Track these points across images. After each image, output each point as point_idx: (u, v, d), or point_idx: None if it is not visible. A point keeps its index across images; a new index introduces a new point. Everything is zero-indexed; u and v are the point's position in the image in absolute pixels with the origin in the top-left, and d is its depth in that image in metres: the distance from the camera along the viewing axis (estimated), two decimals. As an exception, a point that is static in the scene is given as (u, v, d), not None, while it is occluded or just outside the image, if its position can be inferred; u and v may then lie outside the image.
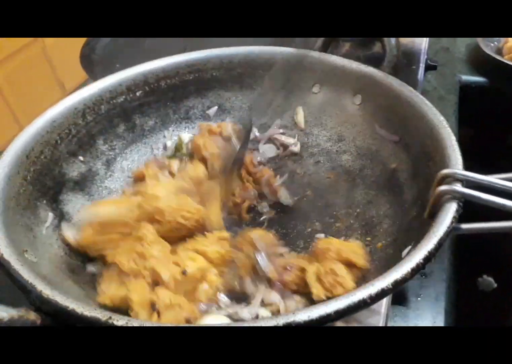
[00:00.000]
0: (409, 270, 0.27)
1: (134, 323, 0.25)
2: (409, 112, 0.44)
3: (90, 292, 0.36)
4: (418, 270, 0.27)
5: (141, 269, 0.33)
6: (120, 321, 0.25)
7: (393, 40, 0.51)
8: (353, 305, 0.25)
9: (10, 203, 0.36)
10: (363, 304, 0.26)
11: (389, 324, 0.41)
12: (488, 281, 0.70)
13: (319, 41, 0.56)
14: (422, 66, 0.74)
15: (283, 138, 0.56)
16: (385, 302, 0.40)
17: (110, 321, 0.25)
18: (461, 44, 0.90)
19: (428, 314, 0.49)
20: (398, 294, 0.49)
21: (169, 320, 0.30)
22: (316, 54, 0.53)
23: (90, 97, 0.49)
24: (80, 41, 0.68)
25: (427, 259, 0.28)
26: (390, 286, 0.26)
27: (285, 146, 0.56)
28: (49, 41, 0.75)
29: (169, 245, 0.37)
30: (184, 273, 0.33)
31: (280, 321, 0.24)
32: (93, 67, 0.66)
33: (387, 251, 0.38)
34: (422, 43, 0.78)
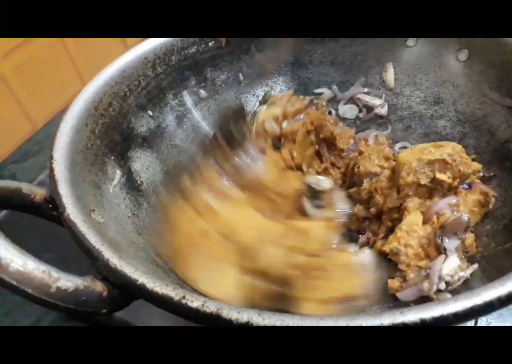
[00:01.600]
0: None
1: (211, 306, 0.21)
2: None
3: (158, 257, 0.34)
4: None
5: None
6: (195, 302, 0.21)
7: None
8: (477, 308, 0.20)
9: (78, 157, 0.34)
10: (490, 308, 0.21)
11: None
12: None
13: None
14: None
15: (368, 98, 0.50)
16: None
17: (183, 301, 0.22)
18: None
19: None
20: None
21: None
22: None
23: (161, 46, 0.45)
24: None
25: None
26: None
27: (369, 108, 0.50)
28: None
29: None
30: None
31: (385, 321, 0.20)
32: None
33: (496, 239, 0.32)
34: None
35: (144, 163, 0.42)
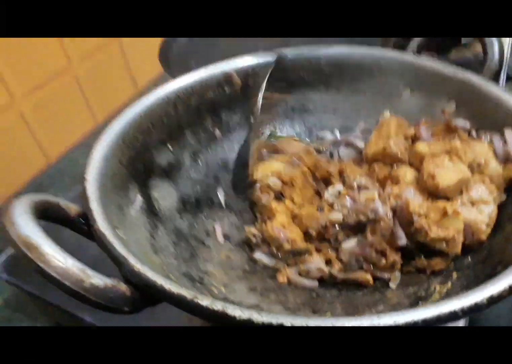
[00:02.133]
0: (507, 286, 0.25)
1: (218, 304, 0.25)
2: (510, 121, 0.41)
3: (171, 274, 0.38)
4: (517, 287, 0.25)
5: None
6: (204, 301, 0.25)
7: (496, 45, 0.48)
8: (442, 316, 0.24)
9: (106, 181, 0.38)
10: (454, 317, 0.24)
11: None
12: None
13: (413, 42, 0.55)
14: (503, 77, 0.70)
15: (359, 142, 0.55)
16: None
17: (195, 300, 0.25)
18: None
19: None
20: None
21: None
22: (408, 56, 0.52)
23: (182, 89, 0.50)
24: (154, 40, 0.72)
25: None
26: (485, 302, 0.25)
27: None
28: (126, 39, 0.80)
29: None
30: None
31: (364, 322, 0.24)
32: (169, 64, 0.69)
33: (476, 269, 0.36)
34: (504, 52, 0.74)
35: (162, 192, 0.47)
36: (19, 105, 0.65)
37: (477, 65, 0.51)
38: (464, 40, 0.76)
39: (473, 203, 0.38)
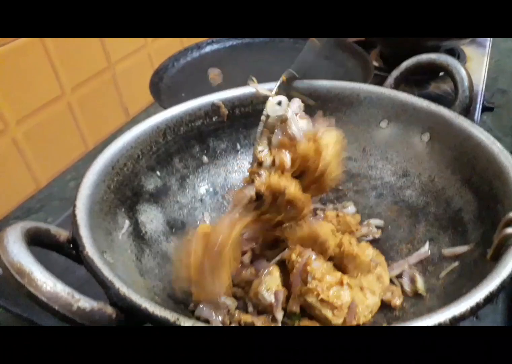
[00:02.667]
0: (468, 308, 0.27)
1: (199, 325, 0.27)
2: (479, 153, 0.44)
3: (156, 296, 0.39)
4: (477, 309, 0.27)
5: None
6: (186, 322, 0.27)
7: (466, 81, 0.52)
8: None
9: (95, 207, 0.40)
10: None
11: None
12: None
13: (390, 78, 0.58)
14: (479, 107, 0.74)
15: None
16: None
17: (177, 322, 0.27)
18: (519, 87, 0.89)
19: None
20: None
21: None
22: (386, 90, 0.55)
23: (172, 119, 0.53)
24: (146, 70, 0.75)
25: (488, 299, 0.28)
26: (448, 322, 0.27)
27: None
28: (119, 69, 0.83)
29: None
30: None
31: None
32: (160, 94, 0.72)
33: (448, 289, 0.38)
34: (479, 84, 0.78)
35: (149, 216, 0.48)
36: (12, 131, 0.67)
37: (453, 97, 0.54)
38: (441, 73, 0.81)
39: (362, 288, 0.40)
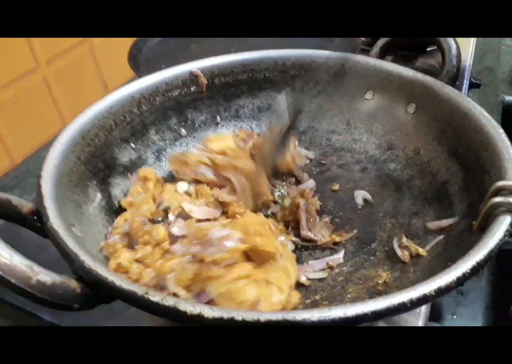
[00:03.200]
0: (455, 278, 0.26)
1: (170, 300, 0.25)
2: (466, 123, 0.42)
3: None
4: (464, 279, 0.26)
5: None
6: (156, 297, 0.25)
7: (454, 50, 0.50)
8: (392, 307, 0.24)
9: (63, 178, 0.38)
10: (403, 308, 0.25)
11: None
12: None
13: (376, 48, 0.56)
14: (466, 83, 0.73)
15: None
16: (422, 315, 0.39)
17: (146, 296, 0.25)
18: (505, 65, 0.88)
19: (463, 333, 0.46)
20: (433, 310, 0.47)
21: None
22: (371, 60, 0.53)
23: (147, 88, 0.50)
24: (125, 42, 0.71)
25: (475, 269, 0.27)
26: (433, 293, 0.25)
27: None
28: (97, 41, 0.79)
29: None
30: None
31: (314, 315, 0.24)
32: (139, 66, 0.69)
33: (432, 263, 0.37)
34: (466, 60, 0.77)
35: (123, 190, 0.46)
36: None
37: (440, 72, 0.52)
38: (429, 48, 0.79)
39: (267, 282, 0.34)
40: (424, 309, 0.40)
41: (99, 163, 0.44)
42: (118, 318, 0.39)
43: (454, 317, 0.47)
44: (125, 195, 0.45)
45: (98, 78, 0.82)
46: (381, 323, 0.34)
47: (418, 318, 0.40)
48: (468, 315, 0.47)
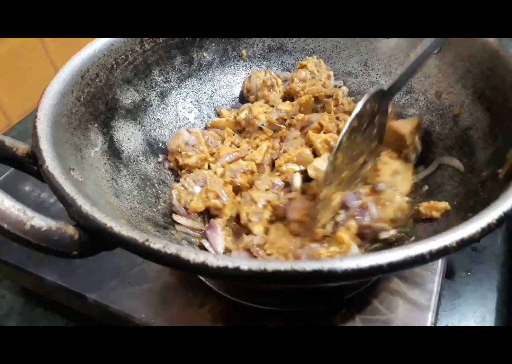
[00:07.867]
0: (479, 229, 0.24)
1: (171, 248, 0.23)
2: (497, 63, 0.39)
3: (132, 218, 0.36)
4: (489, 231, 0.24)
5: None
6: (157, 244, 0.24)
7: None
8: (409, 259, 0.23)
9: (61, 119, 0.35)
10: (421, 260, 0.23)
11: (437, 297, 0.38)
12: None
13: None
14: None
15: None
16: (439, 271, 0.38)
17: (147, 243, 0.24)
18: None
19: (478, 290, 0.45)
20: (447, 267, 0.45)
21: None
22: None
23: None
24: None
25: (501, 220, 0.25)
26: (455, 244, 0.23)
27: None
28: None
29: None
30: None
31: (325, 266, 0.22)
32: None
33: (451, 214, 0.35)
34: None
35: (126, 134, 0.44)
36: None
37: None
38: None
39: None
40: (440, 264, 0.39)
41: (101, 105, 0.41)
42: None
43: (469, 274, 0.46)
44: (129, 140, 0.43)
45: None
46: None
47: (435, 274, 0.38)
48: (483, 272, 0.46)
